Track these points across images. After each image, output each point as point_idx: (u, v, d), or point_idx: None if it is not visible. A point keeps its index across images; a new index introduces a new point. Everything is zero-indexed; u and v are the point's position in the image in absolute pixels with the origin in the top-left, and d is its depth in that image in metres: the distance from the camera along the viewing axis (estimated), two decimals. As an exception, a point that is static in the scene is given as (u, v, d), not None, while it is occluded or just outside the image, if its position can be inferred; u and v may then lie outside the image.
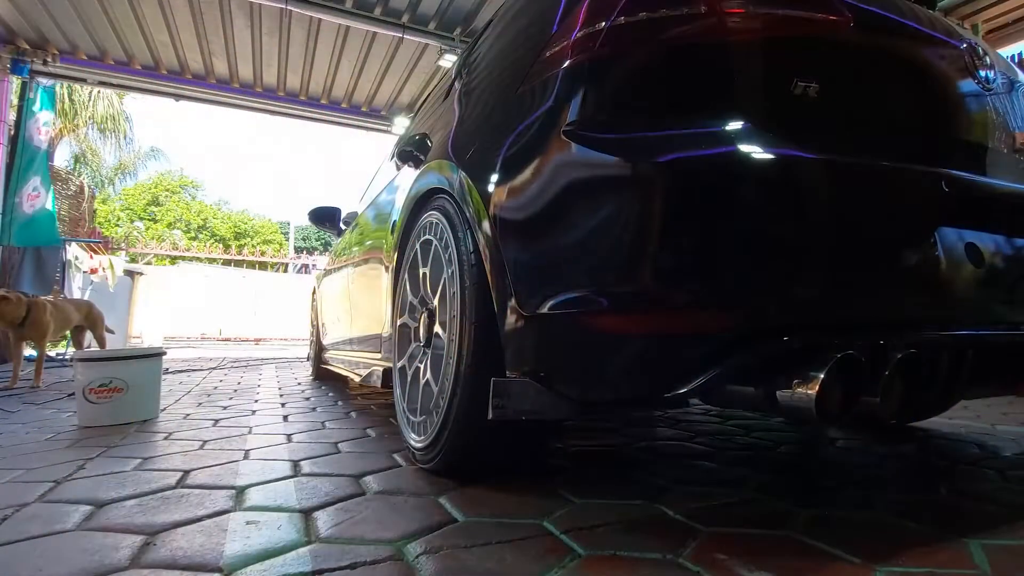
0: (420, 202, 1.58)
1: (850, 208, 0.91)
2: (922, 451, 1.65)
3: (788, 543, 0.91)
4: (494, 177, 1.16)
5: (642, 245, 0.88)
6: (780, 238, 0.86)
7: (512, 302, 1.07)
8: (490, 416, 1.07)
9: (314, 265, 16.00)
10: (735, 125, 0.91)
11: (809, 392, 0.83)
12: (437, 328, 1.38)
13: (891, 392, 0.91)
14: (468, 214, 1.24)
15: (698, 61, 0.97)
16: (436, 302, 1.40)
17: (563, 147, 0.99)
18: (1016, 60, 5.08)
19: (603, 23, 1.00)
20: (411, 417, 1.44)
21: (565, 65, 1.05)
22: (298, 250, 23.48)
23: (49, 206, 5.68)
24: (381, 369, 1.78)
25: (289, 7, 4.75)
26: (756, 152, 0.88)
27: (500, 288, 1.11)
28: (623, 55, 1.00)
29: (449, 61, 5.39)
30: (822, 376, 0.82)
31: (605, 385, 1.00)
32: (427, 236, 1.49)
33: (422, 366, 1.44)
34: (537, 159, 1.05)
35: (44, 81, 5.75)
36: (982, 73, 1.17)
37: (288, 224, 29.08)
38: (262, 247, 22.29)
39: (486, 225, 1.15)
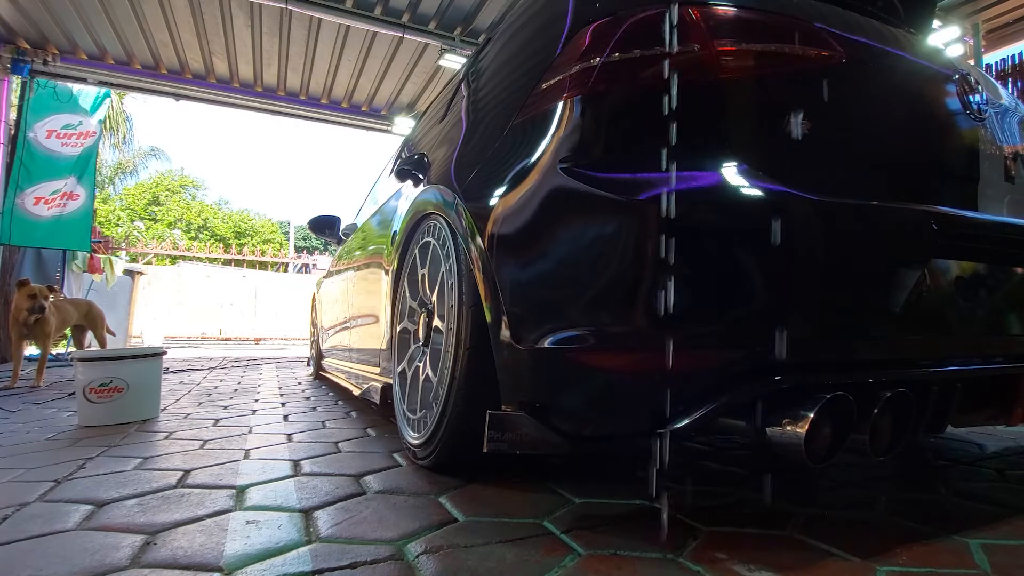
0: (418, 221, 1.61)
1: (841, 247, 0.91)
2: (921, 451, 1.65)
3: (788, 543, 0.92)
4: (489, 204, 1.15)
5: (637, 285, 0.88)
6: (773, 277, 0.86)
7: (506, 332, 1.06)
8: (485, 449, 1.07)
9: (315, 265, 15.98)
10: (730, 164, 0.91)
11: (799, 431, 0.84)
12: (436, 322, 1.39)
13: (880, 430, 0.92)
14: (462, 226, 1.25)
15: (692, 99, 0.95)
16: (435, 297, 1.42)
17: (560, 185, 0.98)
18: (1016, 60, 5.08)
19: (598, 59, 0.99)
20: (410, 416, 1.47)
21: (562, 99, 1.03)
22: (298, 249, 23.49)
23: (83, 209, 5.71)
24: (380, 385, 1.79)
25: (289, 7, 4.75)
26: (750, 191, 0.88)
27: (494, 309, 1.10)
28: (619, 92, 0.99)
29: (450, 61, 5.39)
30: (811, 416, 0.83)
31: (599, 421, 1.01)
32: (427, 238, 1.52)
33: (421, 364, 1.47)
34: (531, 194, 1.04)
35: (80, 86, 5.80)
36: (974, 104, 1.17)
37: (288, 223, 29.11)
38: (262, 247, 22.26)
39: (479, 240, 1.15)
